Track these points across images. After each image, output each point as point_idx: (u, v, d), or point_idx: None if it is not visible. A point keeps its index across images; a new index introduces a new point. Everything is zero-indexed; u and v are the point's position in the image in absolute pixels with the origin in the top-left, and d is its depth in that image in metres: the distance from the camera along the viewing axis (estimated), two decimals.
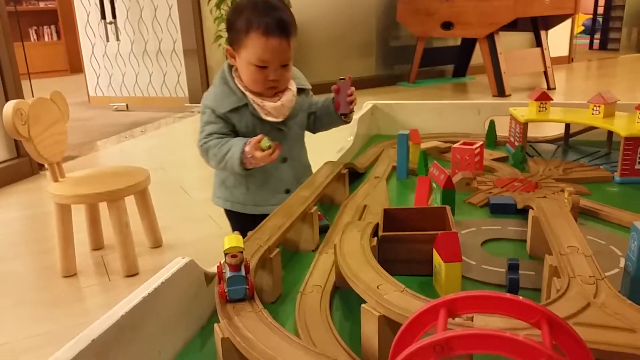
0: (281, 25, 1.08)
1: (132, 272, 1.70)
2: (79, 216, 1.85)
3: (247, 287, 0.63)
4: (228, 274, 0.63)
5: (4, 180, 2.66)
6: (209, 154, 1.15)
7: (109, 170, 1.86)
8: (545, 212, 0.88)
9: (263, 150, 1.05)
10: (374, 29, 5.09)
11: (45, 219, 2.26)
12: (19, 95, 2.74)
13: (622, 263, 0.86)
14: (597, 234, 0.97)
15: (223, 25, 3.89)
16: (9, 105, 1.54)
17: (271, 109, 1.16)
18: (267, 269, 0.77)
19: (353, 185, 1.22)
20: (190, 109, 4.30)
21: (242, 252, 0.65)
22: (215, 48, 4.04)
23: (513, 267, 0.76)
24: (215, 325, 0.61)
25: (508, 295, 0.46)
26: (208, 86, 4.34)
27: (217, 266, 0.68)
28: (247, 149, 1.08)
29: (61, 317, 1.49)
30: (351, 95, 1.21)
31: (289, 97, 1.18)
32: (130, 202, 1.78)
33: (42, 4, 7.12)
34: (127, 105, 4.40)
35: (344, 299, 0.77)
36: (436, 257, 0.78)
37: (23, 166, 2.77)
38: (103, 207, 1.83)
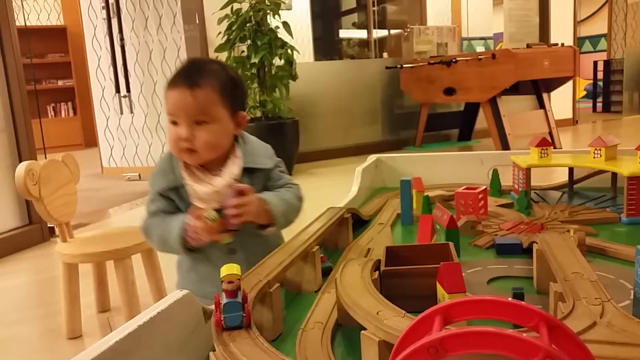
0: (186, 75, 0.95)
1: None
2: (87, 279, 1.85)
3: (244, 314, 0.62)
4: (224, 300, 0.62)
5: (15, 247, 2.68)
6: (151, 233, 1.00)
7: (116, 230, 1.87)
8: (550, 244, 0.87)
9: (209, 222, 0.88)
10: (378, 97, 5.25)
11: (53, 283, 2.25)
12: None
13: (632, 295, 0.83)
14: (606, 270, 0.95)
15: None
16: (22, 166, 1.59)
17: (203, 194, 0.97)
18: (266, 304, 0.76)
19: (357, 232, 1.22)
20: None
21: (239, 280, 0.64)
22: None
23: (517, 296, 0.74)
24: (211, 353, 0.60)
25: (505, 299, 0.45)
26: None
27: (215, 296, 0.67)
28: (187, 219, 0.93)
29: None
30: (237, 208, 0.90)
31: (225, 180, 0.97)
32: (136, 263, 1.78)
33: (60, 82, 7.48)
34: (139, 174, 4.50)
35: (347, 336, 0.75)
36: (439, 290, 0.76)
37: (34, 233, 2.80)
38: (110, 269, 1.83)
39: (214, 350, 0.61)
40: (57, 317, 1.83)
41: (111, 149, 4.65)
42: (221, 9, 3.93)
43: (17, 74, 2.79)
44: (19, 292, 2.23)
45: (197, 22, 4.19)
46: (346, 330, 0.75)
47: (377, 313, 0.63)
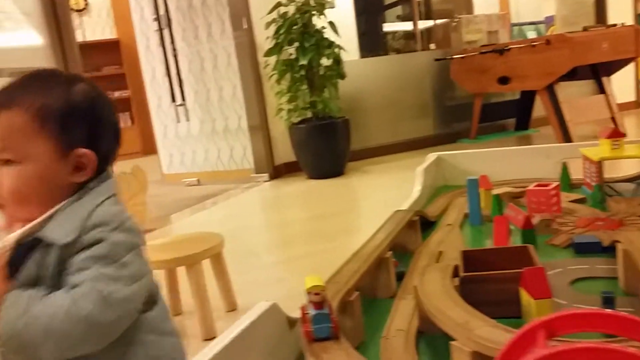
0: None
1: (210, 336, 1.72)
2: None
3: (332, 325, 0.63)
4: (312, 312, 0.64)
5: None
6: None
7: (184, 237, 1.94)
8: (635, 243, 0.83)
9: None
10: (428, 90, 5.17)
11: None
12: None
13: None
14: None
15: (284, 99, 4.10)
16: None
17: None
18: (347, 313, 0.77)
19: (424, 234, 1.21)
20: (256, 179, 4.46)
21: (324, 291, 0.66)
22: (278, 120, 4.24)
23: (608, 301, 0.72)
24: None
25: (610, 311, 0.44)
26: (272, 157, 4.51)
27: (301, 307, 0.69)
28: None
29: None
30: None
31: None
32: (205, 268, 1.83)
33: (117, 94, 7.79)
34: (198, 180, 4.63)
35: (430, 343, 0.75)
36: (524, 296, 0.75)
37: None
38: (180, 274, 1.90)
39: None
40: None
41: (170, 156, 4.81)
42: (268, 13, 3.98)
43: None
44: None
45: (246, 27, 4.26)
46: (429, 338, 0.75)
47: (466, 323, 0.63)
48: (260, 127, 4.38)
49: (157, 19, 4.51)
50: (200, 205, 3.82)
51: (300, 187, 4.12)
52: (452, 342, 0.61)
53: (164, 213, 3.75)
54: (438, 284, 0.78)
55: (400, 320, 0.79)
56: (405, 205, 1.40)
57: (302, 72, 4.00)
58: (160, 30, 4.50)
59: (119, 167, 2.61)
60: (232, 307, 1.93)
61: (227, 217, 3.55)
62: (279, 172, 4.49)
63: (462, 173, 1.74)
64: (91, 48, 7.24)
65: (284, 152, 4.45)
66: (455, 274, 0.83)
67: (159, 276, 1.93)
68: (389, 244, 0.99)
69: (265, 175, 4.40)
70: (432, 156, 1.76)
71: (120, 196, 1.73)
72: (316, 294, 0.65)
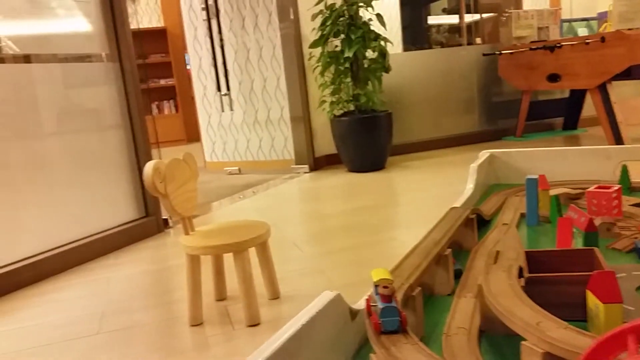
0: None
1: (254, 322, 1.75)
2: (204, 269, 1.96)
3: (400, 319, 0.63)
4: (380, 305, 0.64)
5: (133, 238, 2.90)
6: None
7: (232, 224, 1.97)
8: None
9: None
10: (474, 85, 5.07)
11: (170, 273, 2.42)
12: (149, 161, 3.04)
13: None
14: None
15: (327, 91, 4.10)
16: (150, 165, 1.71)
17: None
18: (409, 307, 0.77)
19: (479, 233, 1.19)
20: (296, 170, 4.49)
21: (392, 284, 0.65)
22: (320, 112, 4.24)
23: None
24: (371, 355, 0.61)
25: None
26: (313, 148, 4.53)
27: (366, 299, 0.69)
28: None
29: None
30: None
31: None
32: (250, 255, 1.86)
33: (162, 82, 7.96)
34: (239, 169, 4.70)
35: (493, 342, 0.74)
36: (592, 299, 0.73)
37: (150, 225, 3.01)
38: (226, 259, 1.94)
39: (372, 352, 0.63)
40: (176, 304, 1.96)
41: (213, 144, 4.89)
42: (315, 4, 3.98)
43: (133, 74, 3.01)
44: (138, 280, 2.42)
45: (292, 19, 4.28)
46: (491, 337, 0.74)
47: (537, 324, 0.62)
48: (302, 119, 4.40)
49: (206, 8, 4.58)
50: (241, 193, 3.87)
51: (340, 180, 4.12)
52: (523, 343, 0.60)
53: (206, 200, 3.82)
54: (504, 283, 0.76)
55: (461, 318, 0.78)
56: (458, 203, 1.38)
57: (347, 65, 3.99)
58: (208, 19, 4.57)
59: (167, 154, 2.68)
60: (275, 296, 1.95)
61: (266, 206, 3.59)
62: (319, 164, 4.51)
63: (515, 172, 1.70)
64: (139, 36, 7.42)
65: (325, 144, 4.46)
66: (520, 274, 0.82)
67: (206, 261, 1.97)
68: (448, 240, 0.98)
69: (306, 167, 4.43)
70: (485, 153, 1.73)
71: (173, 182, 1.75)
72: (385, 287, 0.65)
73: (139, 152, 3.01)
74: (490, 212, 1.36)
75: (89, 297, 2.19)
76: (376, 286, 0.65)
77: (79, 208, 2.70)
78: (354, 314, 0.75)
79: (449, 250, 0.94)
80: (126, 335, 1.81)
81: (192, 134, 7.50)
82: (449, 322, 0.77)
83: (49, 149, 2.60)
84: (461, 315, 0.80)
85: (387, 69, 4.02)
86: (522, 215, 1.29)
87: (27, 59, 2.65)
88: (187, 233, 1.85)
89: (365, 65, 4.03)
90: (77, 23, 2.85)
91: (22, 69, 2.54)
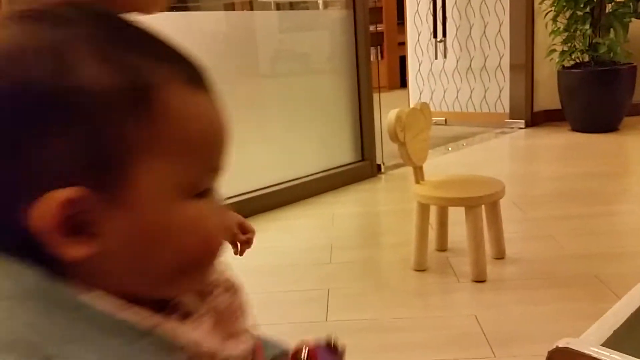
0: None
1: (481, 279, 1.74)
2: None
3: None
4: None
5: (350, 179, 3.07)
6: None
7: (463, 178, 1.95)
8: None
9: None
10: None
11: (382, 216, 2.53)
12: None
13: None
14: None
15: (558, 39, 3.69)
16: (392, 113, 1.76)
17: None
18: None
19: None
20: (510, 125, 4.23)
21: None
22: (547, 62, 3.87)
23: None
24: None
25: None
26: (532, 102, 4.17)
27: None
28: None
29: (421, 307, 1.62)
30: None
31: None
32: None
33: (371, 27, 8.04)
34: (445, 120, 4.60)
35: None
36: None
37: (365, 169, 3.15)
38: (450, 211, 1.94)
39: None
40: (395, 248, 2.05)
41: (420, 93, 4.84)
42: None
43: (365, 21, 3.09)
44: (355, 220, 2.58)
45: None
46: None
47: None
48: (523, 68, 4.07)
49: None
50: (446, 147, 3.79)
51: (561, 139, 3.76)
52: None
53: None
54: None
55: None
56: None
57: (587, 10, 3.52)
58: None
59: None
60: (500, 255, 1.90)
61: (476, 162, 3.46)
62: (537, 119, 4.17)
63: None
64: None
65: (547, 98, 4.08)
66: None
67: (431, 211, 1.99)
68: None
69: (521, 122, 4.13)
70: None
71: (410, 131, 1.77)
72: None
73: (362, 98, 3.12)
74: None
75: (317, 229, 2.42)
76: None
77: (303, 147, 2.93)
78: None
79: None
80: (354, 268, 1.96)
81: (394, 82, 7.52)
82: None
83: (286, 89, 2.86)
84: None
85: (638, 14, 3.44)
86: None
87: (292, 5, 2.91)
88: (417, 182, 1.89)
89: (610, 9, 3.50)
90: None
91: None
